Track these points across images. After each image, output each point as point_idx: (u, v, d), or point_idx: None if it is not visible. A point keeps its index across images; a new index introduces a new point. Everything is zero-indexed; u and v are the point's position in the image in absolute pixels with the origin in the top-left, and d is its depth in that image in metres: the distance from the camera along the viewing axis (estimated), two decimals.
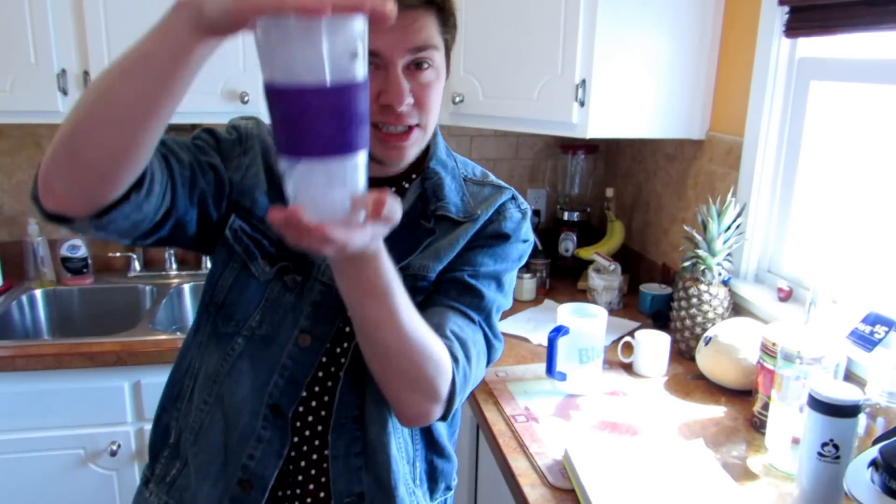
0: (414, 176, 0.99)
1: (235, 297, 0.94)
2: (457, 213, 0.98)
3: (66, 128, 0.65)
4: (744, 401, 1.48)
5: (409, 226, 0.95)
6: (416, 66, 0.86)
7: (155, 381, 1.79)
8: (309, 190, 0.59)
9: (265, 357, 0.93)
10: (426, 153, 1.00)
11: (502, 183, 1.08)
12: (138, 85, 0.64)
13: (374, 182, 0.87)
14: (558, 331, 1.46)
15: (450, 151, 1.05)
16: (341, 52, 0.55)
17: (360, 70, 0.57)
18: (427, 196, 0.98)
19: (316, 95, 0.55)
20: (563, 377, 1.50)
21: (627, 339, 1.67)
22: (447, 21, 0.89)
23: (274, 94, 0.56)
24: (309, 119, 0.56)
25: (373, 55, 0.81)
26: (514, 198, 1.06)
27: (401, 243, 0.92)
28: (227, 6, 0.56)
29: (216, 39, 0.61)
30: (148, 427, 1.82)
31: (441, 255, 0.96)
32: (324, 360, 0.95)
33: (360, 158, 0.60)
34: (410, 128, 0.88)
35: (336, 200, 0.60)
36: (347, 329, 0.94)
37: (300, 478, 0.97)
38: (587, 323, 1.49)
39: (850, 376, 1.36)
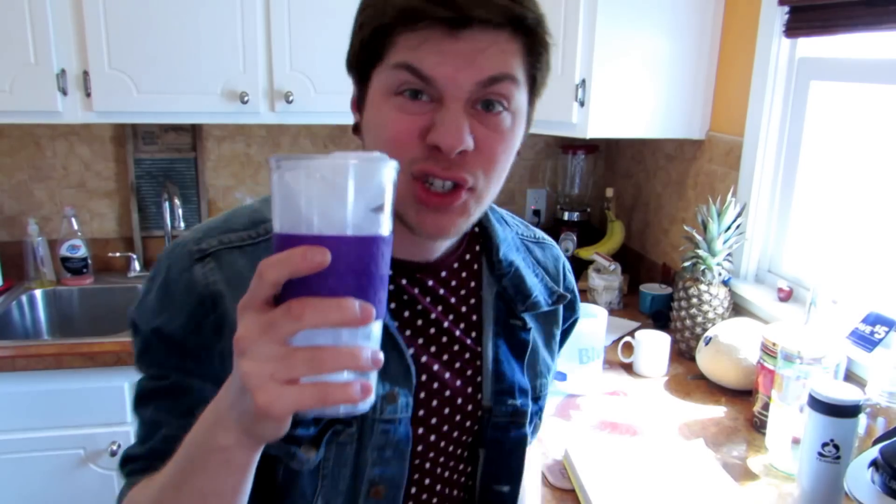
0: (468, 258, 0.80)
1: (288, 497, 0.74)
2: (546, 302, 0.84)
3: None
4: (744, 401, 1.48)
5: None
6: (486, 108, 0.65)
7: None
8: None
9: None
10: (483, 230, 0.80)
11: (537, 231, 0.94)
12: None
13: (411, 269, 0.75)
14: None
15: (498, 215, 0.86)
16: (365, 205, 0.48)
17: (386, 224, 0.50)
18: (508, 296, 0.81)
19: (333, 245, 0.47)
20: (563, 377, 1.50)
21: (627, 339, 1.67)
22: (538, 52, 0.67)
23: (280, 241, 0.49)
24: (320, 274, 0.47)
25: (425, 80, 0.63)
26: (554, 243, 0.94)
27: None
28: (274, 423, 0.49)
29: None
30: None
31: (548, 361, 0.86)
32: None
33: (375, 328, 0.51)
34: (460, 187, 0.66)
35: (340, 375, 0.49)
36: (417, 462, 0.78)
37: None
38: (587, 323, 1.49)
39: (850, 376, 1.36)
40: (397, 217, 0.59)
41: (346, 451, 0.73)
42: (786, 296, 1.64)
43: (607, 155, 2.53)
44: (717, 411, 1.46)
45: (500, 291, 0.81)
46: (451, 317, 0.78)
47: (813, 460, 1.07)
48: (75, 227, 2.15)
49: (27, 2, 1.75)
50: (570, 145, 2.37)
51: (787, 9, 1.58)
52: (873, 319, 1.37)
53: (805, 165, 1.64)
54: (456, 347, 0.79)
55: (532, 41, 0.65)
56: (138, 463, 0.72)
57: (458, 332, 0.79)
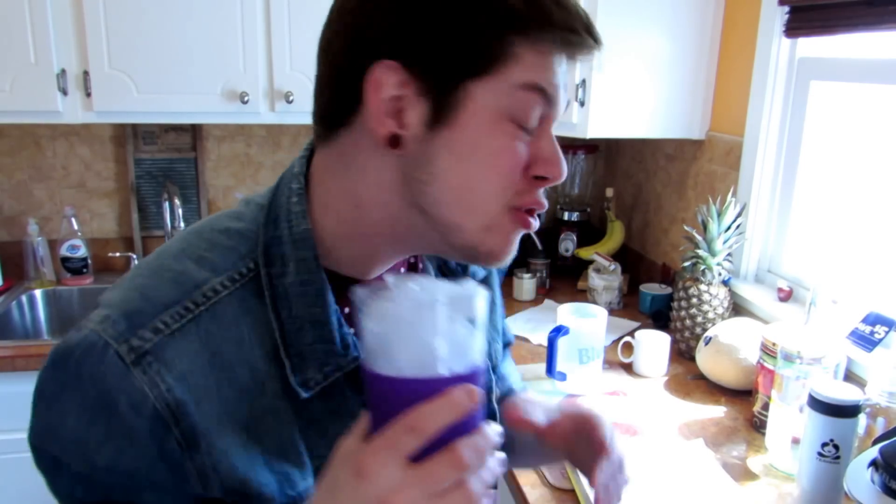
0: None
1: None
2: (481, 270, 0.81)
3: None
4: (744, 401, 1.48)
5: None
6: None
7: None
8: None
9: None
10: None
11: None
12: None
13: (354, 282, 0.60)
14: (558, 331, 1.46)
15: None
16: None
17: (479, 355, 0.48)
18: (449, 269, 0.76)
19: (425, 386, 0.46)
20: (563, 377, 1.50)
21: (627, 339, 1.67)
22: None
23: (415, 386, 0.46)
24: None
25: (552, 109, 0.59)
26: None
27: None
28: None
29: None
30: None
31: (496, 325, 0.82)
32: None
33: None
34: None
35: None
36: None
37: None
38: (587, 323, 1.49)
39: (850, 376, 1.36)
40: (461, 250, 0.59)
41: None
42: (786, 296, 1.64)
43: (607, 155, 2.53)
44: (717, 411, 1.46)
45: (440, 265, 0.75)
46: None
47: (813, 460, 1.07)
48: (75, 227, 2.15)
49: (27, 2, 1.75)
50: (570, 145, 2.37)
51: (787, 9, 1.58)
52: (873, 319, 1.37)
53: (805, 165, 1.64)
54: None
55: None
56: None
57: None
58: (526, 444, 0.84)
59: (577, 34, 0.55)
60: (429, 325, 0.45)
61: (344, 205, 0.60)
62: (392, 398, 0.46)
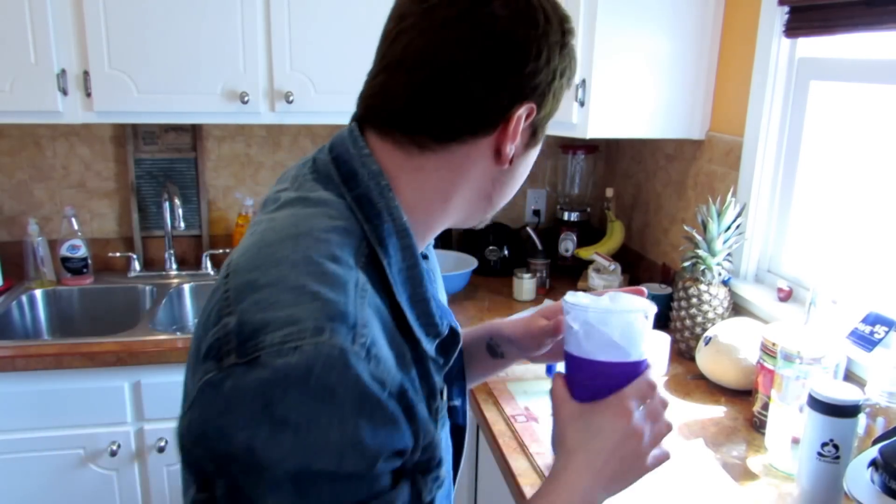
0: None
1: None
2: None
3: None
4: (744, 401, 1.48)
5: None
6: None
7: (155, 381, 1.79)
8: None
9: None
10: None
11: None
12: None
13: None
14: None
15: None
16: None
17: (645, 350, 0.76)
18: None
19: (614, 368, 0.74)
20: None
21: None
22: None
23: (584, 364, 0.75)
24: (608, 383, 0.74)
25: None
26: None
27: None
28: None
29: None
30: (147, 427, 1.83)
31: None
32: None
33: None
34: None
35: None
36: None
37: None
38: None
39: (850, 376, 1.36)
40: (479, 221, 0.80)
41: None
42: (785, 296, 1.64)
43: (607, 155, 2.53)
44: (717, 411, 1.46)
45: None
46: None
47: (812, 460, 1.07)
48: (75, 227, 2.15)
49: (27, 2, 1.76)
50: (570, 145, 2.37)
51: (787, 9, 1.58)
52: (873, 319, 1.37)
53: (805, 165, 1.64)
54: None
55: None
56: None
57: None
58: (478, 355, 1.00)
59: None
60: (612, 327, 0.72)
61: (436, 202, 0.73)
62: (586, 372, 0.74)
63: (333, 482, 0.58)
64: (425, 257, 0.84)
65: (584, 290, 2.16)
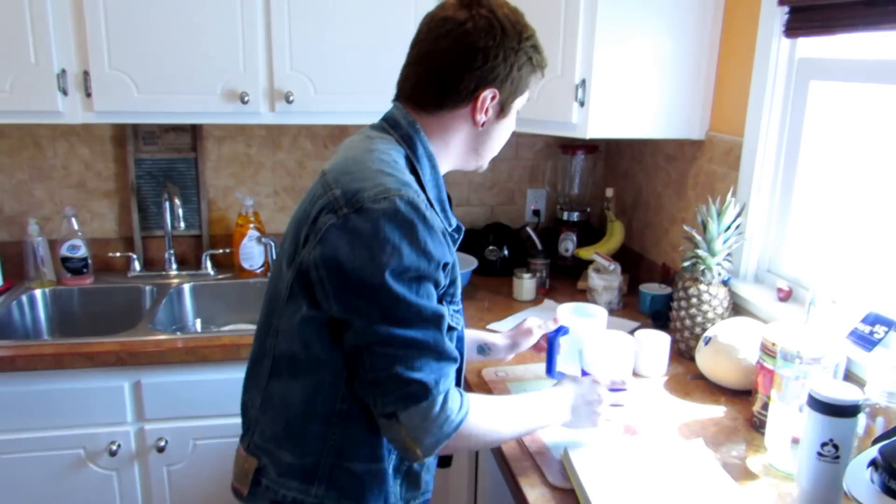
0: None
1: None
2: None
3: (498, 440, 1.17)
4: (744, 401, 1.49)
5: None
6: None
7: (155, 381, 1.79)
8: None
9: None
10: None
11: None
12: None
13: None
14: (558, 331, 1.46)
15: None
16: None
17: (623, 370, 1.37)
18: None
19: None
20: (562, 377, 1.50)
21: None
22: None
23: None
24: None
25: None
26: None
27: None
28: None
29: None
30: (147, 427, 1.83)
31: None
32: None
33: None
34: None
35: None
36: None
37: None
38: (587, 323, 1.49)
39: (849, 376, 1.36)
40: (474, 168, 1.20)
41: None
42: (785, 296, 1.64)
43: (607, 155, 2.53)
44: (717, 411, 1.46)
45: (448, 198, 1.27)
46: None
47: (812, 460, 1.07)
48: (75, 227, 2.15)
49: (27, 2, 1.76)
50: (570, 145, 2.37)
51: (787, 9, 1.58)
52: (873, 319, 1.38)
53: (804, 165, 1.64)
54: None
55: None
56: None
57: None
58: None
59: (545, 66, 1.15)
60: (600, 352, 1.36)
61: (440, 146, 1.12)
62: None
63: (420, 280, 0.97)
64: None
65: (584, 291, 2.16)
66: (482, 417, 1.06)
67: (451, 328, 1.04)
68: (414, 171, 1.07)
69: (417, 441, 0.98)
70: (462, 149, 1.14)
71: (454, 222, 1.14)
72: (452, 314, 1.07)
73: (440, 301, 1.03)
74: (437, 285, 1.00)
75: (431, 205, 1.05)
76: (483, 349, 1.44)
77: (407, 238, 0.95)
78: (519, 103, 1.13)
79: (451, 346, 1.01)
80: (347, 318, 0.98)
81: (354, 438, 1.06)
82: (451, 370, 1.01)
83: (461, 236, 1.16)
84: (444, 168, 1.15)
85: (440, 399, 0.98)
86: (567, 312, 1.53)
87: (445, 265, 1.01)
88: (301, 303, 1.02)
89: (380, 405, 0.99)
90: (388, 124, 1.12)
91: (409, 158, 1.08)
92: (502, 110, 1.11)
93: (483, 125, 1.10)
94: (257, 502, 1.11)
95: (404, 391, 0.97)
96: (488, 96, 1.07)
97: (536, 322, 1.47)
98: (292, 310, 1.04)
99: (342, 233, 0.96)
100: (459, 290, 1.12)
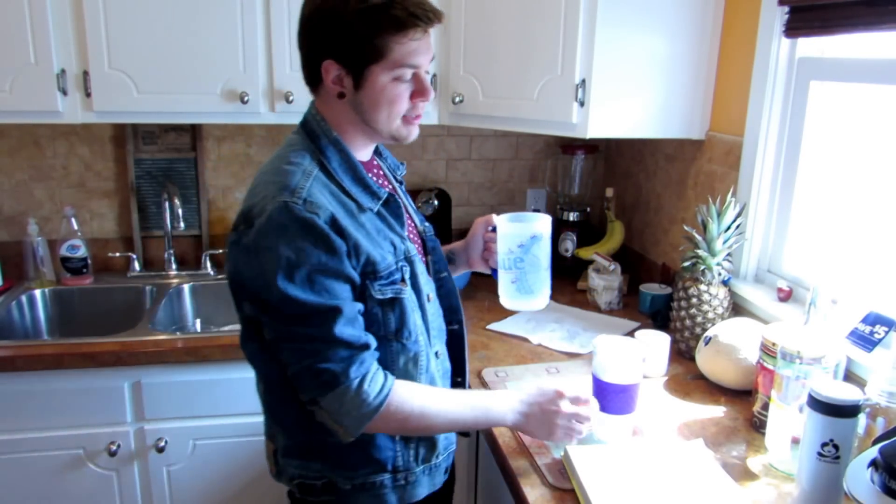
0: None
1: None
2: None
3: (430, 426, 1.17)
4: (744, 401, 1.48)
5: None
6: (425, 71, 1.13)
7: (155, 381, 1.79)
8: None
9: None
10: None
11: None
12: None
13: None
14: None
15: None
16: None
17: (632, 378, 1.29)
18: (397, 178, 1.34)
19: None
20: (495, 274, 1.39)
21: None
22: None
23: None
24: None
25: (413, 68, 1.09)
26: None
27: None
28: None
29: None
30: (147, 427, 1.83)
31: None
32: None
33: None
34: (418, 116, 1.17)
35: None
36: None
37: None
38: (521, 226, 1.34)
39: (850, 376, 1.36)
40: (384, 138, 1.17)
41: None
42: (785, 296, 1.64)
43: (607, 155, 2.53)
44: (717, 411, 1.46)
45: (394, 176, 1.32)
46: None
47: (812, 460, 1.07)
48: (75, 227, 2.15)
49: (27, 2, 1.76)
50: (570, 145, 2.37)
51: (787, 9, 1.58)
52: (873, 319, 1.37)
53: (805, 165, 1.64)
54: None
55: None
56: (373, 362, 1.10)
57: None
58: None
59: (422, 18, 1.05)
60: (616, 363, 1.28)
61: (342, 123, 1.14)
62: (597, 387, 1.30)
63: (312, 276, 1.03)
64: (379, 154, 1.29)
65: (584, 291, 2.16)
66: (408, 401, 1.11)
67: (391, 302, 1.11)
68: (320, 163, 1.11)
69: (339, 423, 1.07)
70: (351, 124, 1.14)
71: (383, 194, 1.14)
72: (380, 289, 1.10)
73: (363, 282, 1.09)
74: (341, 274, 1.05)
75: (344, 190, 1.10)
76: (451, 259, 1.46)
77: (284, 242, 1.02)
78: (386, 69, 1.07)
79: (356, 333, 1.06)
80: (260, 320, 1.08)
81: None
82: (364, 355, 1.07)
83: (400, 205, 1.18)
84: (361, 142, 1.17)
85: (355, 383, 1.05)
86: (503, 220, 1.37)
87: (349, 253, 1.05)
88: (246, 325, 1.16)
89: (303, 394, 1.08)
90: (302, 122, 1.17)
91: (314, 152, 1.12)
92: (359, 80, 1.08)
93: (344, 97, 1.11)
94: (282, 480, 1.24)
95: (317, 381, 1.05)
96: (330, 69, 1.08)
97: (480, 220, 1.45)
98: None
99: (237, 248, 1.07)
100: (405, 262, 1.15)
